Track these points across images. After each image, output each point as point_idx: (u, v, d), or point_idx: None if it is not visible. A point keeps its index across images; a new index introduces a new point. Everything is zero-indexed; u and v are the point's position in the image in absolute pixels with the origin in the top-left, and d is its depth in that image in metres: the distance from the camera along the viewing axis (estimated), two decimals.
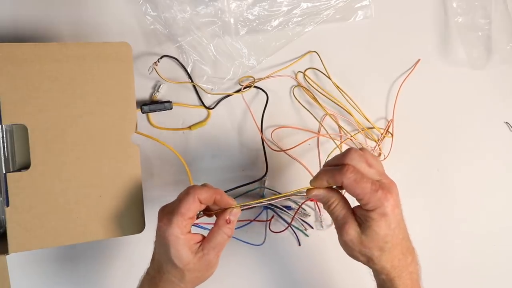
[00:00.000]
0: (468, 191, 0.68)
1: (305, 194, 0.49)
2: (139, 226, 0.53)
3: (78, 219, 0.50)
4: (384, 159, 0.65)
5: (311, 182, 0.48)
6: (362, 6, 0.64)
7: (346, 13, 0.64)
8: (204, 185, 0.49)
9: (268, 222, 0.64)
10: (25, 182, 0.48)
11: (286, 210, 0.63)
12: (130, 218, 0.52)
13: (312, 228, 0.65)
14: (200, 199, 0.47)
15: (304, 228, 0.65)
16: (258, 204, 0.55)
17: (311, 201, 0.64)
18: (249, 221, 0.63)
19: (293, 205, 0.64)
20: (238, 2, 0.60)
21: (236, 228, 0.60)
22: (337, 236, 0.49)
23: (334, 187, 0.49)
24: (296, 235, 0.65)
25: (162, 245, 0.47)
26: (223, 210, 0.49)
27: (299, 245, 0.65)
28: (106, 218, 0.51)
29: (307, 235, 0.65)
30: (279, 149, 0.63)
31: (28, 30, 0.58)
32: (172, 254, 0.46)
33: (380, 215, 0.45)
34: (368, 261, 0.48)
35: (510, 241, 0.69)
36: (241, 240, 0.64)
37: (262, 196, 0.64)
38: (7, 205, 0.47)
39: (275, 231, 0.64)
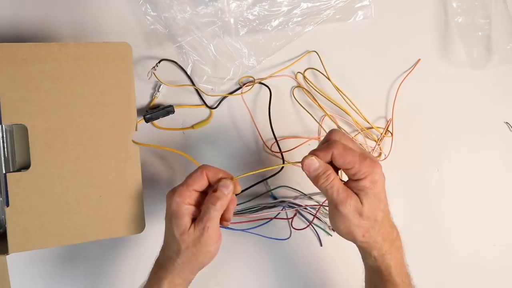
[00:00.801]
0: (468, 191, 0.68)
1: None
2: (139, 226, 0.53)
3: (78, 219, 0.50)
4: (385, 158, 0.65)
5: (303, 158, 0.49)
6: (362, 6, 0.64)
7: (346, 13, 0.64)
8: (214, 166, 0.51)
9: (291, 219, 0.64)
10: (25, 182, 0.48)
11: (309, 209, 0.63)
12: (130, 218, 0.52)
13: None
14: (207, 175, 0.49)
15: (328, 226, 0.65)
16: (252, 173, 0.55)
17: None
18: (269, 219, 0.63)
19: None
20: (238, 2, 0.60)
21: (257, 226, 0.62)
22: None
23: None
24: (318, 234, 0.65)
25: (166, 216, 0.50)
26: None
27: (321, 245, 0.65)
28: (106, 218, 0.51)
29: (330, 235, 0.65)
30: (272, 152, 0.63)
31: (28, 30, 0.58)
32: (173, 222, 0.48)
33: (372, 182, 0.47)
34: (365, 234, 0.48)
35: (511, 240, 0.69)
36: (265, 236, 0.64)
37: (273, 197, 0.64)
38: (7, 205, 0.47)
39: (297, 228, 0.64)
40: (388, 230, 0.50)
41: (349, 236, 0.49)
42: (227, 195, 0.48)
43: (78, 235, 0.50)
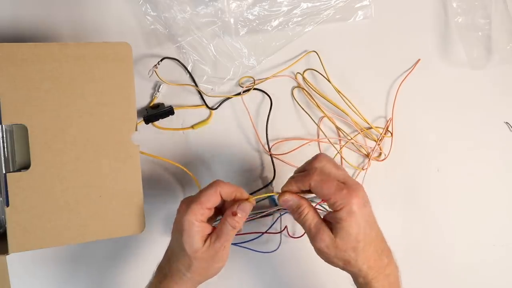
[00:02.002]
0: (468, 190, 0.68)
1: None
2: (139, 226, 0.53)
3: (78, 219, 0.50)
4: (385, 158, 0.65)
5: (282, 188, 0.51)
6: (362, 6, 0.64)
7: (346, 13, 0.64)
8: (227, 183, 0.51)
9: (281, 232, 0.63)
10: (25, 182, 0.48)
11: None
12: (130, 218, 0.52)
13: None
14: (221, 193, 0.49)
15: None
16: (267, 196, 0.59)
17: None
18: (261, 233, 0.63)
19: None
20: (238, 2, 0.60)
21: (249, 240, 0.62)
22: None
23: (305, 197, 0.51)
24: None
25: (176, 231, 0.50)
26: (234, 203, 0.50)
27: None
28: (106, 218, 0.51)
29: None
30: (270, 154, 0.63)
31: (28, 30, 0.58)
32: (184, 239, 0.48)
33: (348, 214, 0.46)
34: (346, 265, 0.49)
35: (511, 240, 0.69)
36: (253, 250, 0.64)
37: (274, 202, 0.64)
38: (7, 205, 0.47)
39: (294, 236, 0.64)
40: (375, 258, 0.49)
41: (332, 265, 0.50)
42: (245, 217, 0.50)
43: (78, 235, 0.50)
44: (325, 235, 0.48)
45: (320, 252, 0.49)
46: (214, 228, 0.50)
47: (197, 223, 0.48)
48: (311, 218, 0.49)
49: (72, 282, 0.62)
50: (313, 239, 0.49)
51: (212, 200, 0.49)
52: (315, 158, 0.50)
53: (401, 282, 0.51)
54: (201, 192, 0.50)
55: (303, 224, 0.50)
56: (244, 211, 0.49)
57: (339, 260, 0.49)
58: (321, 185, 0.47)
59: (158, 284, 0.51)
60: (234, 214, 0.49)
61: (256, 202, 0.62)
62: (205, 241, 0.49)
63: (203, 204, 0.49)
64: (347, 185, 0.47)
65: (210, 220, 0.52)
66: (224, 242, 0.49)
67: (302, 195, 0.50)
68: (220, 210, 0.52)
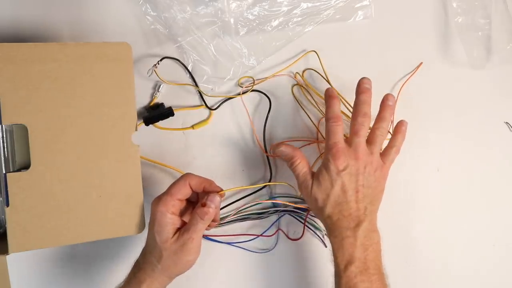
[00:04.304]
0: (468, 191, 0.68)
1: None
2: (139, 226, 0.53)
3: (78, 219, 0.50)
4: None
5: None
6: (362, 6, 0.64)
7: (346, 13, 0.64)
8: (197, 175, 0.53)
9: (272, 236, 0.63)
10: (25, 182, 0.48)
11: (302, 212, 0.63)
12: (130, 218, 0.53)
13: None
14: (190, 184, 0.52)
15: (325, 233, 0.64)
16: (236, 189, 0.61)
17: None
18: (256, 236, 0.63)
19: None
20: (238, 2, 0.60)
21: (245, 241, 0.63)
22: None
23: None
24: (319, 236, 0.64)
25: (150, 223, 0.52)
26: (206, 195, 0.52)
27: (326, 246, 0.64)
28: (106, 218, 0.51)
29: (325, 245, 0.64)
30: (268, 155, 0.63)
31: (28, 30, 0.58)
32: (156, 230, 0.50)
33: (326, 170, 0.53)
34: (317, 212, 0.55)
35: (511, 240, 0.69)
36: (248, 250, 0.64)
37: (273, 203, 0.64)
38: (7, 205, 0.47)
39: (292, 238, 0.64)
40: (339, 217, 0.53)
41: (311, 208, 0.57)
42: (214, 209, 0.51)
43: (78, 235, 0.51)
44: (308, 184, 0.54)
45: (301, 191, 0.56)
46: (185, 222, 0.51)
47: (168, 214, 0.50)
48: (300, 167, 0.55)
49: (72, 282, 0.62)
50: (299, 185, 0.56)
51: (182, 191, 0.51)
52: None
53: (362, 250, 0.52)
54: (172, 184, 0.52)
55: (294, 171, 0.56)
56: (213, 202, 0.51)
57: (312, 205, 0.55)
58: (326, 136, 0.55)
59: (132, 276, 0.52)
60: (203, 205, 0.51)
61: (255, 204, 0.63)
62: (175, 233, 0.50)
63: (173, 195, 0.50)
64: (340, 147, 0.53)
65: (183, 215, 0.53)
66: (192, 234, 0.50)
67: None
68: (194, 205, 0.53)
